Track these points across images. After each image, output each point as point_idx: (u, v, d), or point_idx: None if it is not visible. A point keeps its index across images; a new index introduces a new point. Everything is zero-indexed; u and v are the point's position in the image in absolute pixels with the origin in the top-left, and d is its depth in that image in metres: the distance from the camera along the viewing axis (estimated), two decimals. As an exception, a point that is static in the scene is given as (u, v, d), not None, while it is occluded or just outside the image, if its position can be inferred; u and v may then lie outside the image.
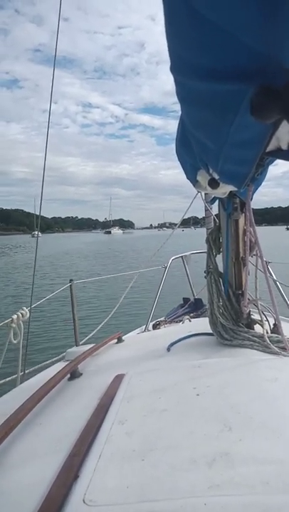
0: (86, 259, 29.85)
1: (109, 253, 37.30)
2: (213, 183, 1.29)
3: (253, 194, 1.45)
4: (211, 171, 1.22)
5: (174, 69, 0.75)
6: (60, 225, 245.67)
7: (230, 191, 1.46)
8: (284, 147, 0.88)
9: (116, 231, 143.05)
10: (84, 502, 0.69)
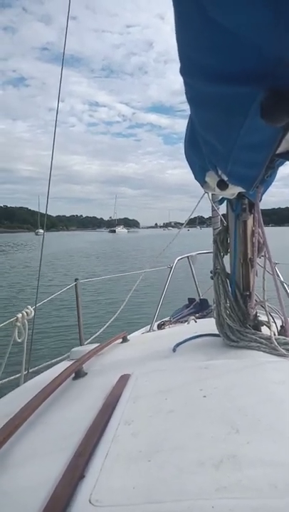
0: (88, 260, 29.10)
1: (113, 253, 36.42)
2: (222, 185, 1.28)
3: (262, 195, 1.44)
4: (220, 172, 1.21)
5: (184, 71, 0.75)
6: (65, 224, 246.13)
7: (239, 192, 1.44)
8: None
9: (121, 230, 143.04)
10: (90, 502, 0.69)
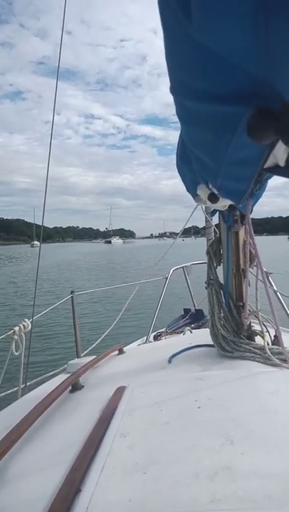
0: (79, 272, 27.49)
1: (106, 266, 34.70)
2: (213, 198, 1.31)
3: (252, 207, 1.47)
4: (210, 186, 1.24)
5: (173, 90, 0.78)
6: (61, 235, 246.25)
7: (230, 204, 1.48)
8: (281, 164, 0.90)
9: (116, 241, 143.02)
10: None
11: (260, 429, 0.94)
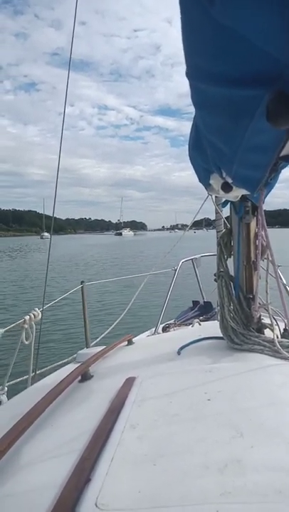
0: (74, 272, 22.51)
1: (110, 260, 31.30)
2: (226, 187, 1.29)
3: (265, 198, 1.45)
4: (224, 174, 1.22)
5: (189, 74, 0.76)
6: (73, 227, 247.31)
7: (242, 195, 1.46)
8: None
9: (127, 233, 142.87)
10: (96, 506, 0.70)
11: (269, 422, 0.93)
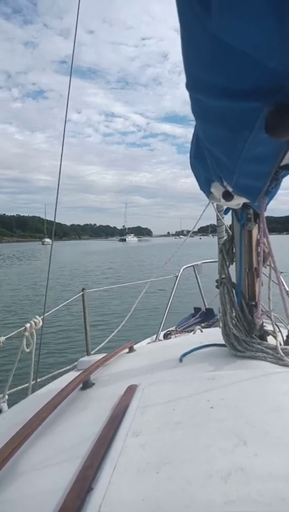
0: (60, 280, 20.35)
1: (103, 271, 27.34)
2: (227, 196, 1.30)
3: (266, 206, 1.45)
4: (225, 183, 1.23)
5: (189, 86, 0.77)
6: (78, 232, 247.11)
7: (244, 202, 1.46)
8: None
9: (131, 239, 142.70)
10: None
11: (273, 430, 0.93)
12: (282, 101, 0.63)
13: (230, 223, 1.94)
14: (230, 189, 1.24)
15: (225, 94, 0.68)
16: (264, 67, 0.58)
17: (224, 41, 0.58)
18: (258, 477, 0.75)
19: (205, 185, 1.43)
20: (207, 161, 1.18)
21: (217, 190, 1.35)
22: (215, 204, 3.00)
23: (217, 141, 0.96)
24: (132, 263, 35.13)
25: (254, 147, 0.82)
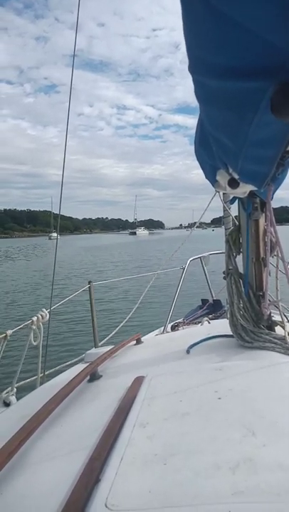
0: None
1: (89, 273, 21.47)
2: (233, 183, 1.27)
3: (273, 194, 1.43)
4: (230, 170, 1.21)
5: (192, 68, 0.75)
6: (89, 226, 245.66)
7: (250, 191, 1.43)
8: None
9: (141, 232, 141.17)
10: (106, 506, 0.69)
11: (282, 421, 0.91)
12: (288, 79, 0.61)
13: (236, 214, 1.91)
14: (235, 176, 1.21)
15: (228, 74, 0.66)
16: (268, 43, 0.56)
17: (227, 17, 0.56)
18: (266, 468, 0.74)
19: (210, 173, 1.41)
20: (212, 148, 1.15)
21: (223, 177, 1.32)
22: (221, 194, 2.97)
23: (221, 125, 0.94)
24: (131, 263, 29.30)
25: (259, 130, 0.79)
